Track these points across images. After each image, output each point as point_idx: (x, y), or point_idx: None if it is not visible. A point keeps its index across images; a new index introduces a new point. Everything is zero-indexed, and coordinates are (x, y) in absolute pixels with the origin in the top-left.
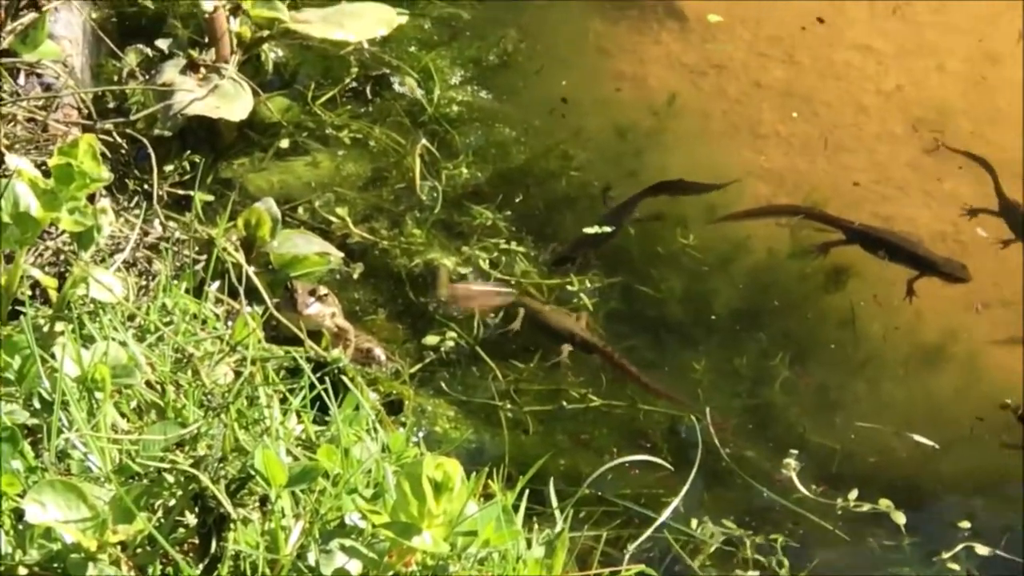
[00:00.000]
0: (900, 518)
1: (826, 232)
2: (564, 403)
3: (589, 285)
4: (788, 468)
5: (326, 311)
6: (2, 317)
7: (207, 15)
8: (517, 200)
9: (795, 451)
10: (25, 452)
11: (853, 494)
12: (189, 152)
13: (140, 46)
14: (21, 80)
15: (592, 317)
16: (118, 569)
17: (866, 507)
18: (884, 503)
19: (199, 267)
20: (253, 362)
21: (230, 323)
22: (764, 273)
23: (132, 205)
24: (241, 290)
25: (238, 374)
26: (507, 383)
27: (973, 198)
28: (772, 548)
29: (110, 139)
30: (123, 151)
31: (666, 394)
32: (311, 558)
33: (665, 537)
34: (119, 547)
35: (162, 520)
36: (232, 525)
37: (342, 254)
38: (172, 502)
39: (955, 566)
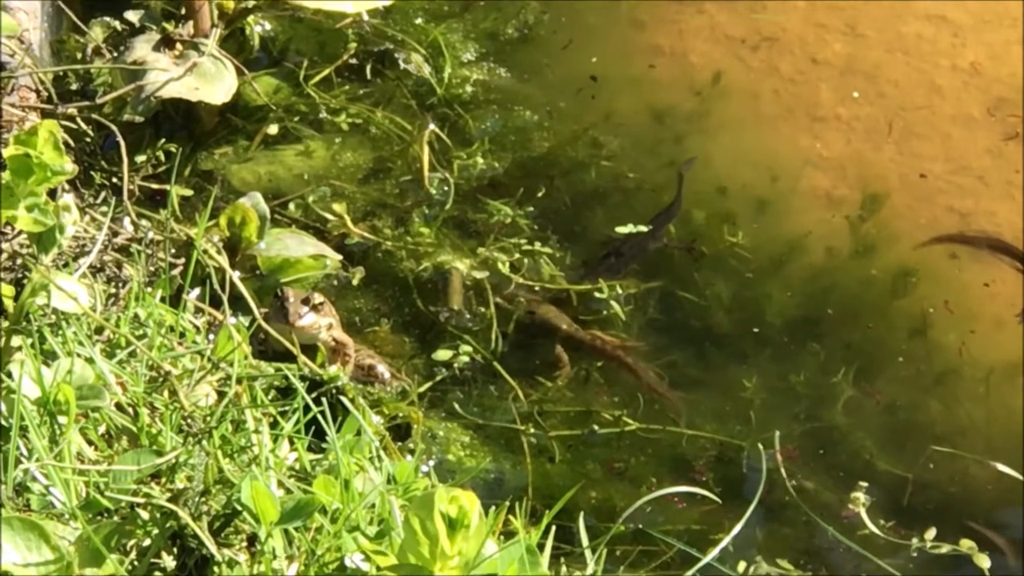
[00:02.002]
0: (984, 561)
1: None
2: (595, 427)
3: (620, 291)
4: (856, 503)
5: (322, 322)
6: None
7: None
8: (540, 194)
9: (864, 483)
10: None
11: (931, 533)
12: (164, 140)
13: (107, 19)
14: None
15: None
16: None
17: (945, 548)
18: (966, 544)
19: (176, 272)
20: (239, 381)
21: (212, 336)
22: (823, 276)
23: (99, 201)
24: (224, 298)
25: (222, 395)
26: (530, 404)
27: None
28: None
29: (73, 126)
30: (88, 139)
31: (661, 393)
32: None
33: None
34: None
35: (136, 563)
36: (216, 568)
37: (340, 256)
38: (147, 542)
39: None
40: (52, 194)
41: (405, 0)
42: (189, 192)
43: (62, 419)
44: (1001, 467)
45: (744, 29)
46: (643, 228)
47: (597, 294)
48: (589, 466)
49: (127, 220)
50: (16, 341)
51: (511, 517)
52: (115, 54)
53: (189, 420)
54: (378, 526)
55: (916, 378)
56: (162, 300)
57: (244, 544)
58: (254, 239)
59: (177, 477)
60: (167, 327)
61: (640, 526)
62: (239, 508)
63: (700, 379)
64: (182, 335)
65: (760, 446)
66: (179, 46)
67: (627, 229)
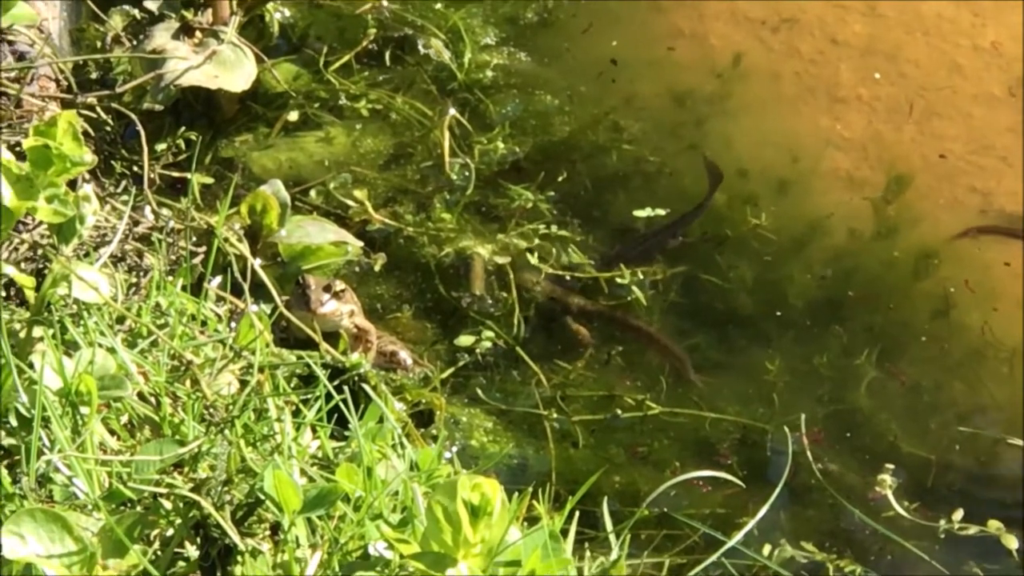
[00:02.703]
0: (1012, 542)
1: None
2: (618, 411)
3: (642, 276)
4: (883, 485)
5: (343, 309)
6: None
7: None
8: (561, 178)
9: (890, 465)
10: (0, 477)
11: (958, 514)
12: (184, 128)
13: (126, 7)
14: None
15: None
16: None
17: (972, 529)
18: (993, 525)
19: (197, 261)
20: (261, 369)
21: (234, 325)
22: (845, 258)
23: (119, 191)
24: (246, 286)
25: (244, 383)
26: (552, 389)
27: None
28: None
29: (93, 115)
30: (108, 128)
31: (673, 352)
32: None
33: (736, 564)
34: None
35: (159, 553)
36: (239, 557)
37: (361, 243)
38: (170, 532)
39: None
40: (72, 184)
41: None
42: (210, 180)
43: (84, 409)
44: None
45: (764, 10)
46: (660, 212)
47: (619, 279)
48: (612, 450)
49: (148, 209)
50: (38, 332)
51: (535, 503)
52: (134, 42)
53: (211, 409)
54: (401, 514)
55: (939, 359)
56: (183, 289)
57: (267, 533)
58: (275, 226)
59: (200, 467)
60: (188, 316)
61: (664, 510)
62: (262, 497)
63: (723, 362)
64: (204, 324)
65: (786, 428)
66: (198, 34)
67: (645, 213)
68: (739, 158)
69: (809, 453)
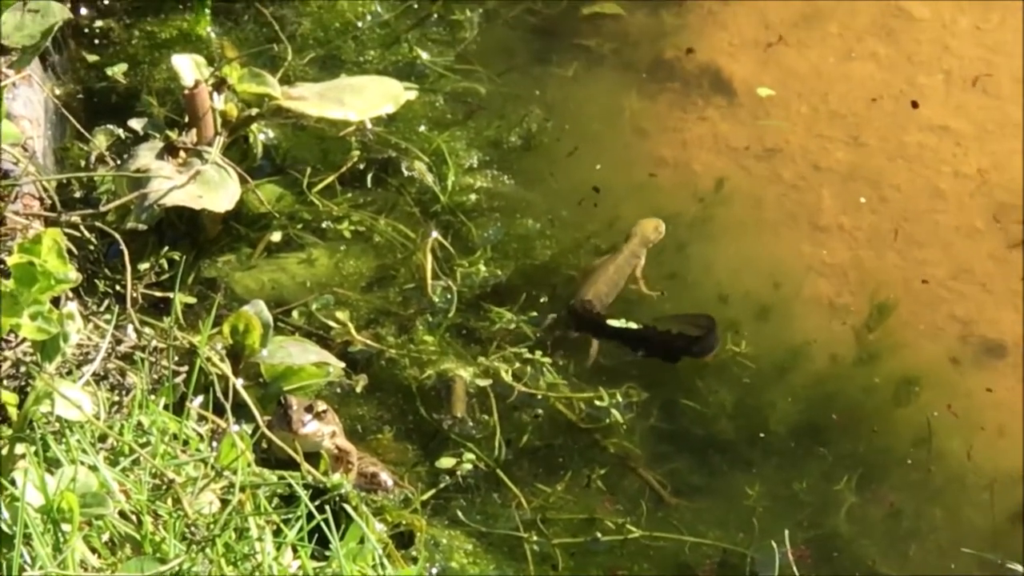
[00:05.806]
0: None
1: None
2: (598, 534)
3: (621, 399)
4: None
5: (325, 430)
6: None
7: (187, 91)
8: (543, 301)
9: None
10: None
11: None
12: (167, 248)
13: (110, 127)
14: None
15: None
16: None
17: None
18: None
19: (180, 380)
20: (242, 488)
21: (215, 444)
22: (827, 383)
23: (103, 309)
24: (228, 406)
25: (225, 502)
26: (533, 511)
27: None
28: None
29: (77, 233)
30: (92, 247)
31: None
32: None
33: None
34: None
35: None
36: None
37: (343, 364)
38: None
39: None
40: (56, 302)
41: (408, 108)
42: (192, 300)
43: (66, 527)
44: (1013, 564)
45: (747, 138)
46: (633, 325)
47: (597, 402)
48: (593, 573)
49: (131, 328)
50: (20, 449)
51: None
52: (118, 162)
53: (193, 528)
54: None
55: (921, 484)
56: (165, 408)
57: None
58: (257, 347)
59: None
60: (171, 435)
61: None
62: None
63: (703, 486)
64: (185, 443)
65: (773, 543)
66: (182, 154)
67: (619, 324)
68: (720, 283)
69: (796, 570)
